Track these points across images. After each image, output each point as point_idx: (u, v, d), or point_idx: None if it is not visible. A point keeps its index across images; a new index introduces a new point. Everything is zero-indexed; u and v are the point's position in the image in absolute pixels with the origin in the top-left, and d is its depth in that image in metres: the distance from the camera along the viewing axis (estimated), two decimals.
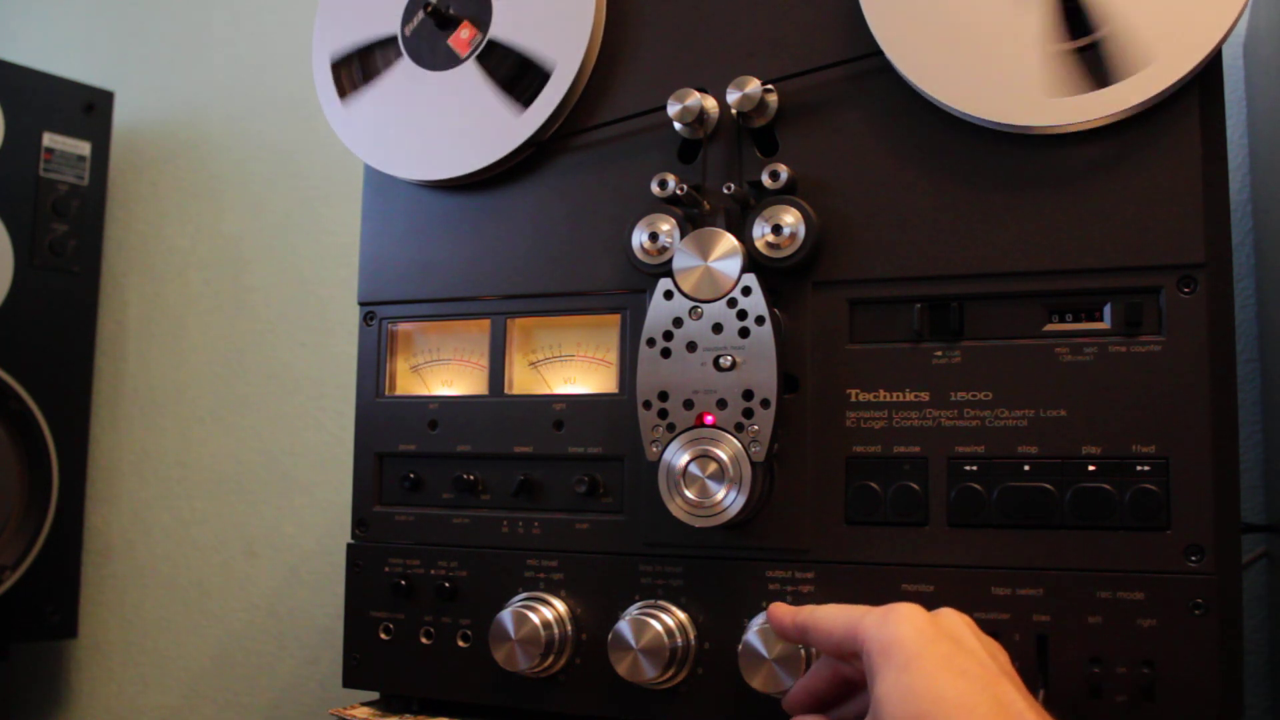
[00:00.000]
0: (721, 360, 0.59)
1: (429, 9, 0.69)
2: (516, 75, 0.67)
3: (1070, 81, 0.55)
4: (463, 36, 0.69)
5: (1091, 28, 0.55)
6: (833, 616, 0.52)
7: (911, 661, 0.46)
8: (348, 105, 0.72)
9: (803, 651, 0.57)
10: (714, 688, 0.61)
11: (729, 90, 0.60)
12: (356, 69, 0.72)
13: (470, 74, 0.69)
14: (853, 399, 0.59)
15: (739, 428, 0.58)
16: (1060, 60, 0.55)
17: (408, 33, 0.71)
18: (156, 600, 1.24)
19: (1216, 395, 0.54)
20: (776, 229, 0.59)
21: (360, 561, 0.70)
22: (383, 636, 0.69)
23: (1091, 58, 0.55)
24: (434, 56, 0.70)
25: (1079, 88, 0.55)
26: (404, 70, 0.71)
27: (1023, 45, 0.56)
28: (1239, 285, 0.83)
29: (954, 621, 0.49)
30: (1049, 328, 0.57)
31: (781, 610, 0.56)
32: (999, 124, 0.56)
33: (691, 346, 0.60)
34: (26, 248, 1.14)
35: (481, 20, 0.69)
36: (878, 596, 0.57)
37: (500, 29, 0.68)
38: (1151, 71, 0.54)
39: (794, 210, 0.59)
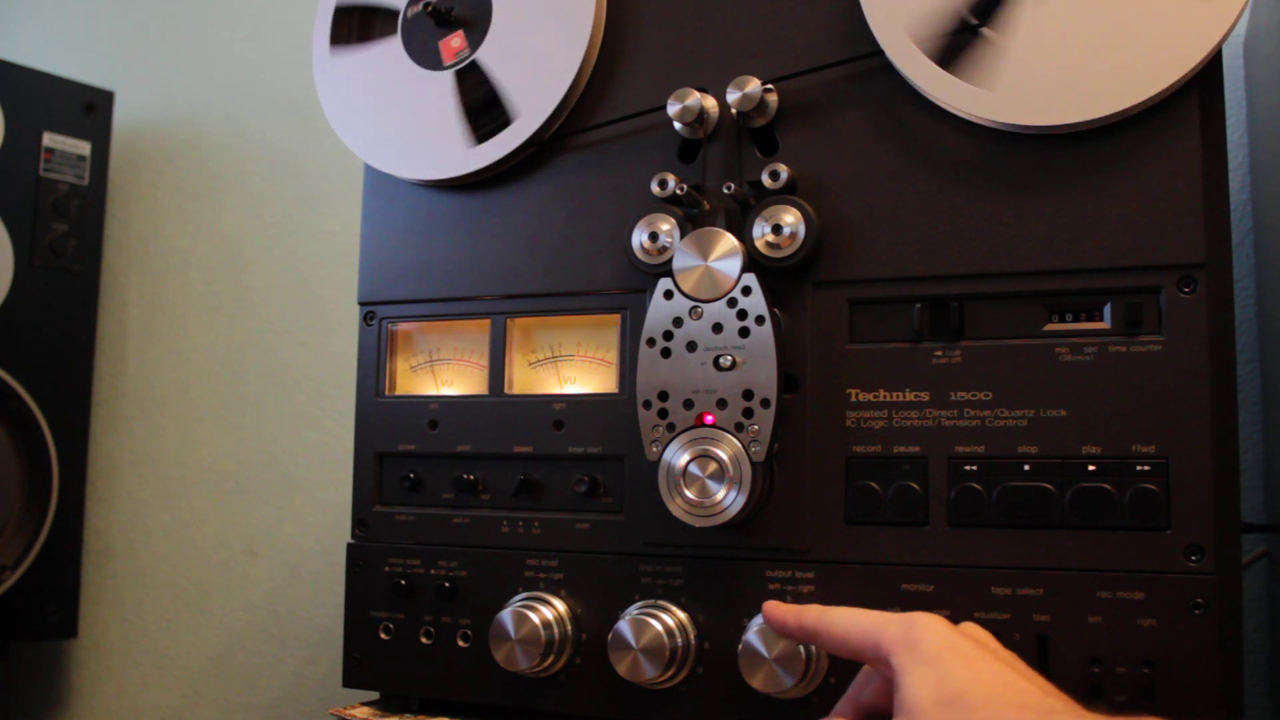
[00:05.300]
0: (721, 360, 0.59)
1: (429, 7, 0.69)
2: (483, 107, 0.67)
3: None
4: (453, 45, 0.69)
5: None
6: (847, 622, 0.51)
7: (943, 653, 0.46)
8: (333, 57, 0.72)
9: (802, 652, 0.56)
10: (714, 688, 0.61)
11: (729, 90, 0.60)
12: (356, 23, 0.72)
13: (444, 85, 0.69)
14: (853, 399, 0.59)
15: (739, 427, 0.58)
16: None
17: (408, 15, 0.71)
18: (156, 600, 1.24)
19: (1216, 395, 0.54)
20: (776, 229, 0.59)
21: (360, 561, 0.70)
22: (383, 636, 0.69)
23: None
24: (422, 51, 0.70)
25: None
26: (389, 50, 0.70)
27: (1021, 45, 0.56)
28: (1239, 285, 0.83)
29: (979, 630, 0.51)
30: (1049, 328, 0.57)
31: (782, 609, 0.55)
32: (999, 124, 0.56)
33: (691, 346, 0.60)
34: (26, 248, 1.14)
35: (477, 33, 0.69)
36: (878, 596, 0.57)
37: (488, 52, 0.68)
38: (1152, 71, 0.54)
39: (794, 210, 0.59)
